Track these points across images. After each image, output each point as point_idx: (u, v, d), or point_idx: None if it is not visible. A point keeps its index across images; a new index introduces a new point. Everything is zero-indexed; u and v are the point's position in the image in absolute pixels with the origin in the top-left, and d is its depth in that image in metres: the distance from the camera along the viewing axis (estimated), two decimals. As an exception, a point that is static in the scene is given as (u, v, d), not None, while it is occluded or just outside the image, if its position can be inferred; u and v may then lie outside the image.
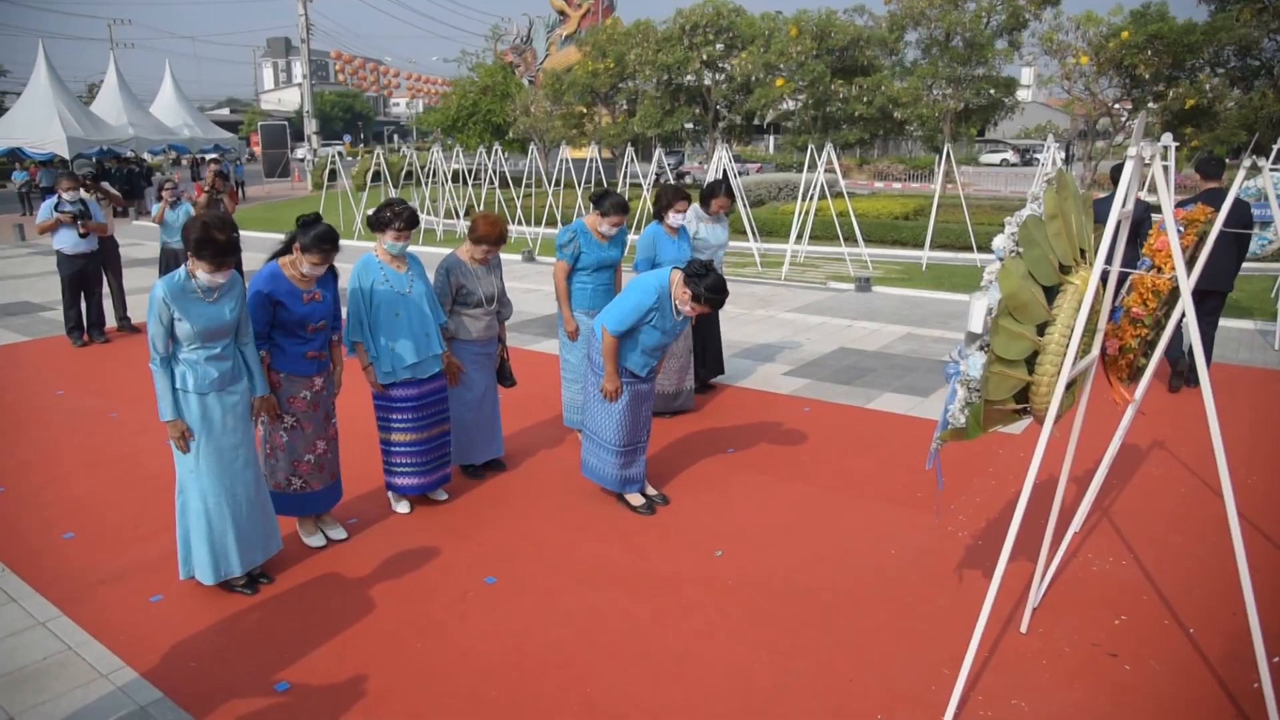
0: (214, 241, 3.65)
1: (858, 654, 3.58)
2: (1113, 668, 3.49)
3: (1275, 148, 9.59)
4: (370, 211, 4.72)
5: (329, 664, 3.55)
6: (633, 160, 17.16)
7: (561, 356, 5.91)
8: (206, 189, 9.98)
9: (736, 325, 9.71)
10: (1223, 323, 9.85)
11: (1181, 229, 3.54)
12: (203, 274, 3.71)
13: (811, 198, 13.53)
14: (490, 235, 5.00)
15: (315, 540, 4.55)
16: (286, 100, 76.85)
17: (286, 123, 39.37)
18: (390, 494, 5.00)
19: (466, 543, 4.60)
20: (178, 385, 3.76)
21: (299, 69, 44.18)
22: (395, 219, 4.58)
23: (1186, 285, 3.03)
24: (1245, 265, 11.80)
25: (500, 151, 19.80)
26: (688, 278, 4.48)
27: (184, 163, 38.12)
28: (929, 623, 3.80)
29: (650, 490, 5.10)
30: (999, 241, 2.91)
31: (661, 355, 4.84)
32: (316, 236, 4.11)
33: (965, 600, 3.95)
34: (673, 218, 6.05)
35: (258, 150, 39.23)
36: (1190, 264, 3.66)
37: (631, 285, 4.67)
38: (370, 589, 4.14)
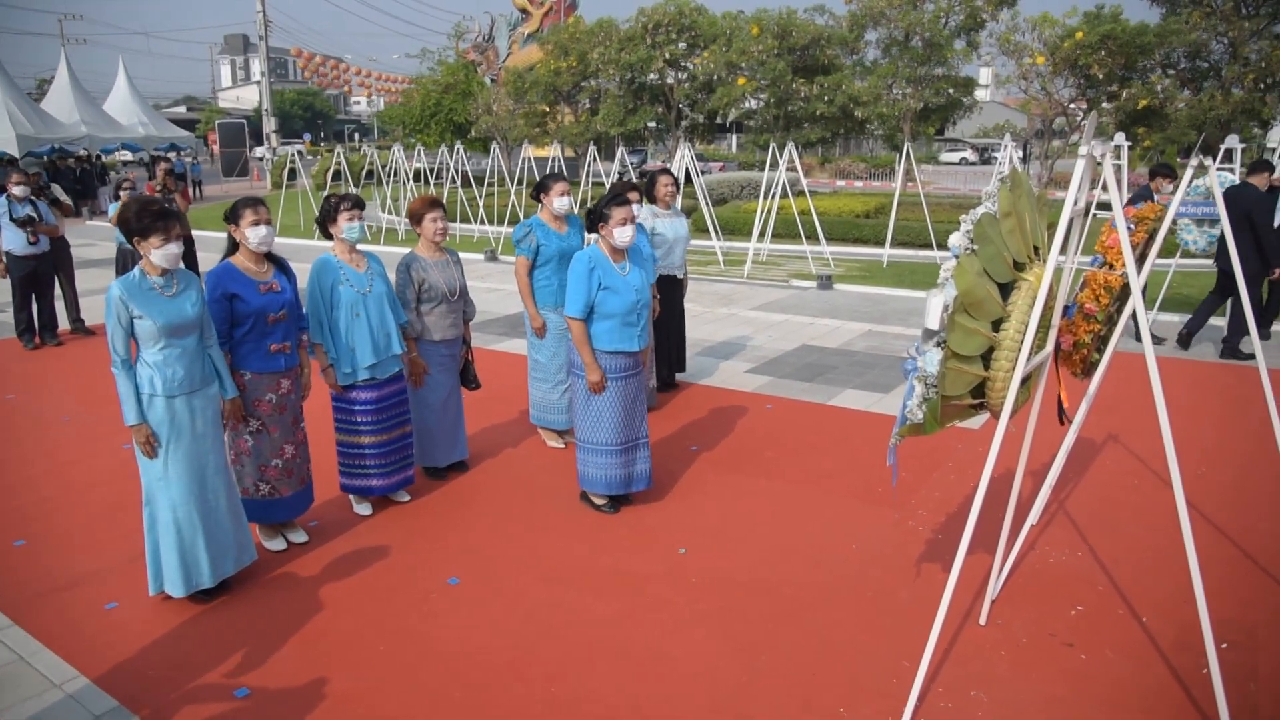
0: (151, 210, 3.62)
1: (821, 648, 3.62)
2: (1069, 657, 3.55)
3: (1222, 148, 9.81)
4: (316, 217, 4.71)
5: (290, 668, 3.51)
6: (595, 159, 17.16)
7: (530, 355, 5.88)
8: (158, 188, 9.80)
9: (699, 323, 9.74)
10: (1173, 317, 10.09)
11: (1132, 226, 3.61)
12: (158, 256, 3.64)
13: (773, 196, 13.61)
14: (420, 206, 5.05)
15: (275, 544, 4.49)
16: (245, 98, 75.78)
17: (245, 121, 38.87)
18: (352, 496, 4.95)
19: (430, 543, 4.57)
20: (145, 389, 3.66)
21: (257, 66, 43.61)
22: (341, 202, 4.57)
23: (1137, 284, 3.09)
24: (1196, 262, 12.14)
25: (462, 150, 19.69)
26: (596, 222, 4.63)
27: (146, 159, 37.46)
28: (890, 616, 3.85)
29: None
30: (955, 239, 2.95)
31: (640, 321, 4.69)
32: (240, 201, 4.13)
33: (926, 593, 4.00)
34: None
35: (215, 149, 38.64)
36: (1141, 261, 3.74)
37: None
38: (332, 592, 4.10)
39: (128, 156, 34.61)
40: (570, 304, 4.56)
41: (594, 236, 4.77)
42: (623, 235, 4.58)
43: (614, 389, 4.68)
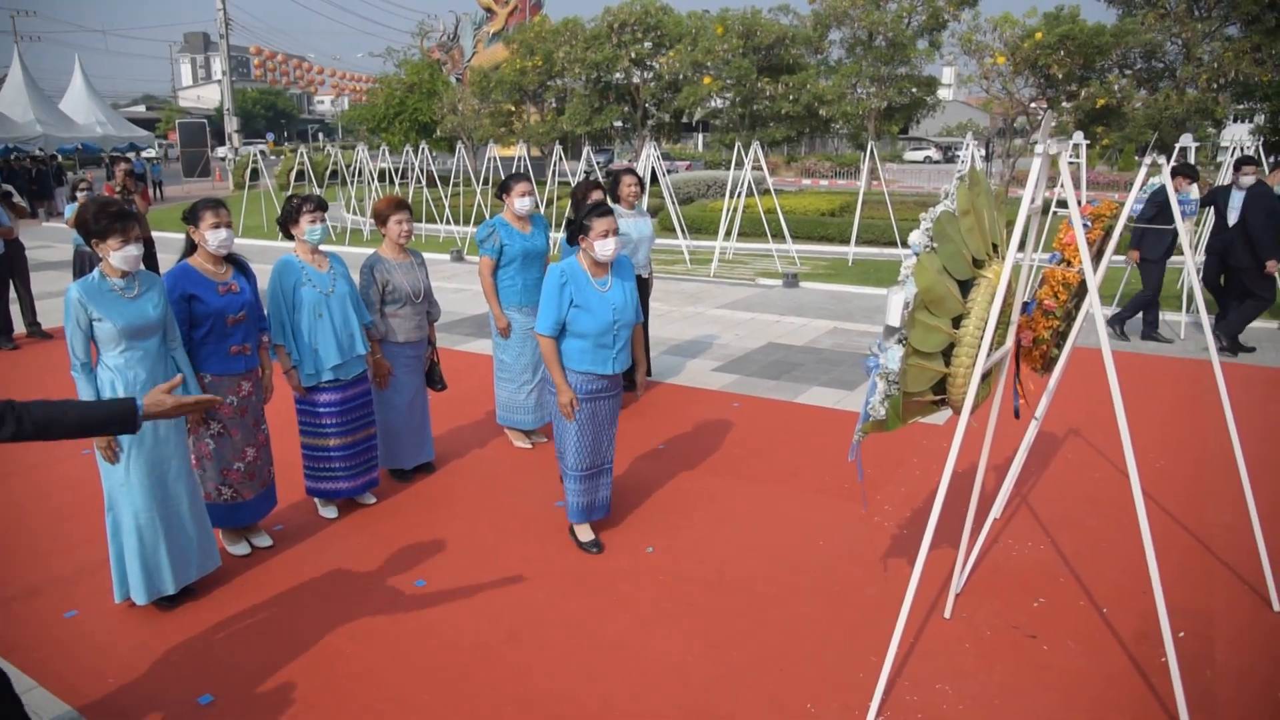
0: (109, 211, 3.56)
1: (790, 644, 3.64)
2: (1032, 649, 3.61)
3: (1177, 146, 9.99)
4: (277, 218, 4.66)
5: (255, 674, 3.47)
6: (561, 159, 17.12)
7: (495, 356, 5.85)
8: (118, 189, 9.63)
9: (665, 322, 9.76)
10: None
11: (1089, 224, 3.67)
12: (116, 258, 3.57)
13: (739, 195, 13.67)
14: (385, 207, 5.02)
15: (239, 549, 4.44)
16: (206, 97, 74.72)
17: (206, 120, 38.28)
18: (317, 499, 4.90)
19: (395, 546, 4.54)
20: (105, 393, 3.58)
21: (218, 65, 42.97)
22: (303, 204, 4.52)
23: (1094, 281, 3.14)
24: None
25: (427, 150, 19.56)
26: (575, 233, 4.26)
27: (105, 159, 36.79)
28: (858, 611, 3.88)
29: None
30: (914, 237, 2.98)
31: (617, 344, 4.28)
32: (200, 202, 4.07)
33: (892, 588, 4.04)
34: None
35: (172, 137, 37.99)
36: (1098, 258, 3.80)
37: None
38: (297, 596, 4.06)
39: (102, 158, 33.83)
40: (540, 320, 4.23)
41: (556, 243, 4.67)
42: (604, 249, 4.16)
43: (583, 411, 4.31)
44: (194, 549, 3.94)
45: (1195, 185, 8.33)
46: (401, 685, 3.40)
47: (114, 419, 2.53)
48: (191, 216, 4.06)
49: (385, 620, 3.85)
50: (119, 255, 3.58)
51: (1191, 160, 9.72)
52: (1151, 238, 8.54)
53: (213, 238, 4.03)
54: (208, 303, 4.03)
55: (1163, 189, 8.31)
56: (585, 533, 4.54)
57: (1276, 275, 8.22)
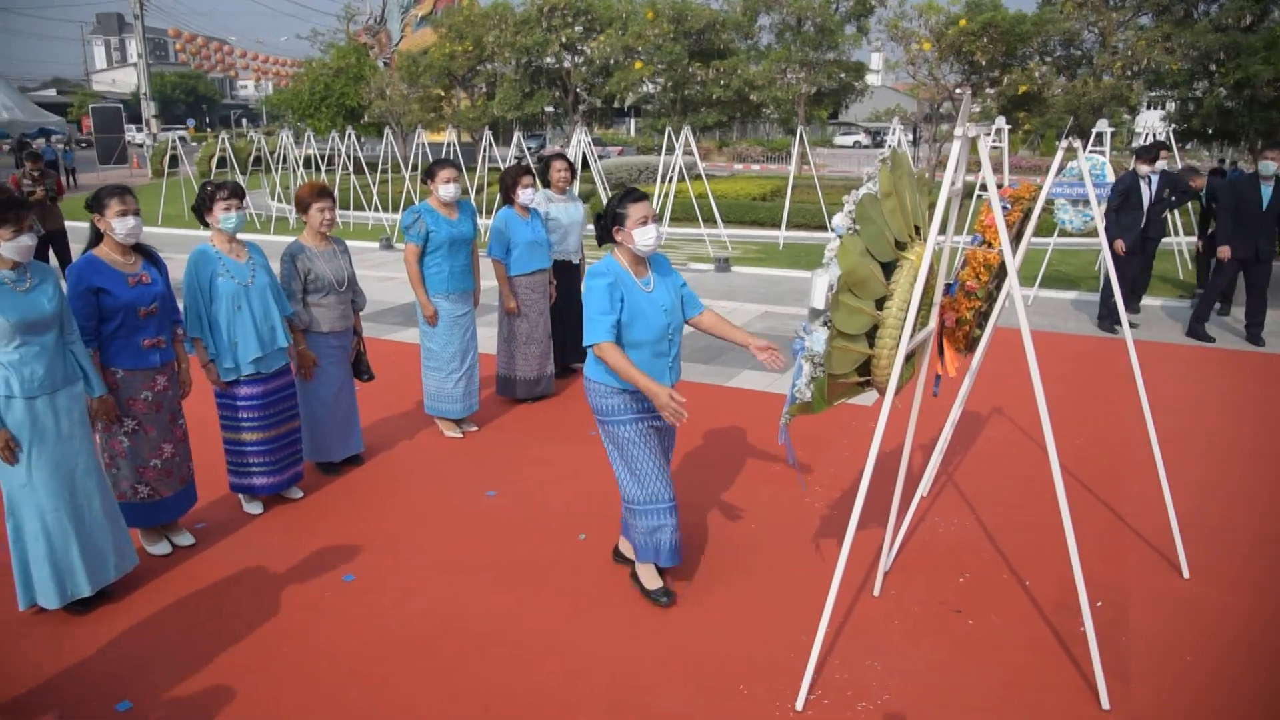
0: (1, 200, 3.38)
1: (721, 627, 3.65)
2: (958, 623, 3.68)
3: (1094, 132, 10.28)
4: (192, 205, 4.49)
5: (177, 677, 3.35)
6: (492, 144, 16.90)
7: (423, 345, 5.75)
8: (24, 179, 9.17)
9: (600, 308, 9.71)
10: (1052, 294, 10.56)
11: (1008, 206, 3.74)
12: (8, 248, 3.38)
13: (671, 180, 13.67)
14: (307, 194, 4.89)
15: (160, 548, 4.29)
16: (122, 81, 71.90)
17: (122, 105, 36.88)
18: (241, 495, 4.77)
19: (323, 541, 4.44)
20: (1, 391, 3.41)
21: (134, 47, 41.39)
22: (218, 190, 4.35)
23: (1013, 262, 3.20)
24: (1072, 240, 12.72)
25: (355, 136, 19.12)
26: (609, 225, 3.64)
27: (4, 148, 35.20)
28: (788, 592, 3.92)
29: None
30: (838, 220, 3.00)
31: (672, 350, 3.70)
32: (105, 189, 3.90)
33: (821, 568, 4.08)
34: (522, 194, 6.01)
35: (87, 126, 36.56)
36: (1017, 239, 3.87)
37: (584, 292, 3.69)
38: (221, 595, 3.94)
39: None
40: (592, 329, 3.48)
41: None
42: (644, 237, 3.54)
43: (643, 432, 3.68)
44: (108, 548, 3.77)
45: (1153, 166, 8.51)
46: (330, 682, 3.33)
47: None
48: (96, 204, 3.88)
49: (313, 616, 3.76)
50: (10, 246, 3.40)
51: (1107, 146, 9.98)
52: (1121, 226, 8.64)
53: (119, 226, 3.87)
54: (117, 295, 3.86)
55: (1128, 175, 8.51)
56: (652, 580, 3.89)
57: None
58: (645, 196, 3.62)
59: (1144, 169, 8.44)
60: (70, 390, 3.61)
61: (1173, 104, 21.16)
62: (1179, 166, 12.45)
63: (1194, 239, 10.47)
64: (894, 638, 3.58)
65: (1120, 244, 8.48)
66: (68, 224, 11.22)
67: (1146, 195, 8.47)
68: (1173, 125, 16.88)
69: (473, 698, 3.23)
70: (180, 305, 4.28)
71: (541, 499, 4.90)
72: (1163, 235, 9.11)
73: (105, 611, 3.80)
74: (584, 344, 3.52)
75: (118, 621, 3.73)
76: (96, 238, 3.95)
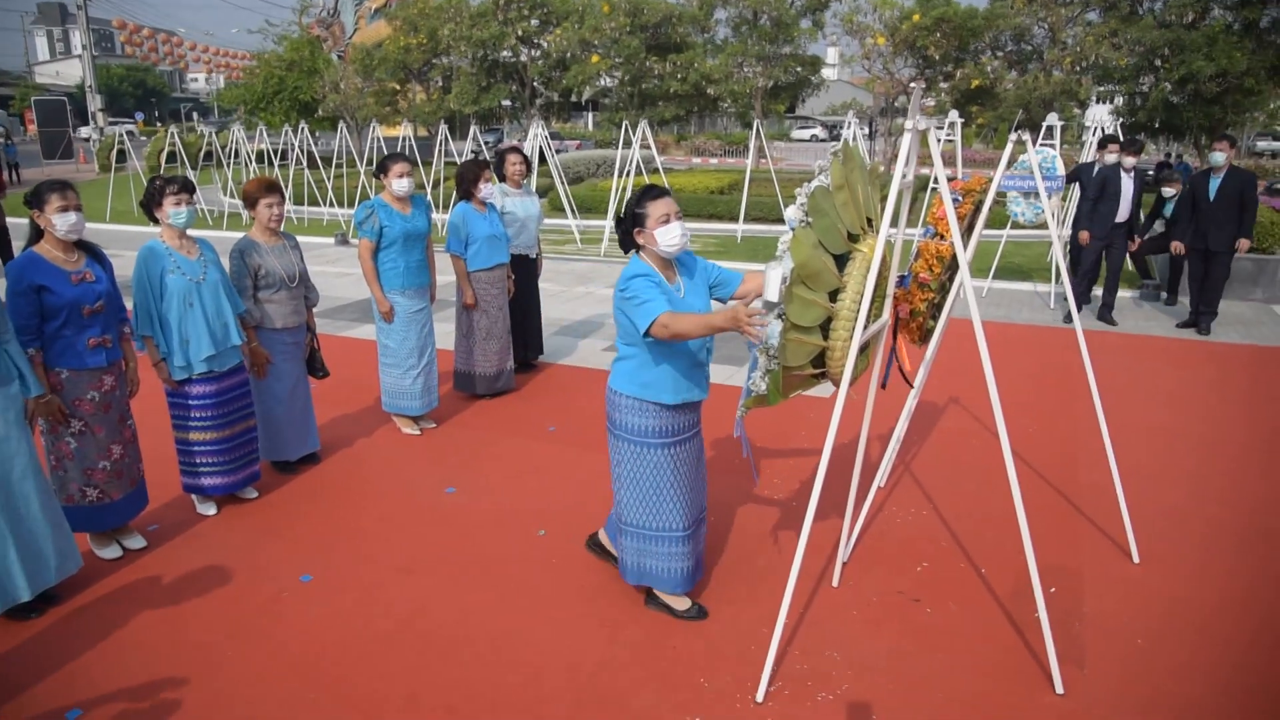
0: None
1: (680, 621, 3.65)
2: (916, 612, 3.72)
3: (1044, 125, 10.45)
4: (140, 201, 4.38)
5: (130, 683, 3.28)
6: (448, 139, 16.76)
7: (379, 341, 5.68)
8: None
9: (556, 303, 9.68)
10: (1006, 285, 10.73)
11: (959, 198, 3.78)
12: None
13: (629, 174, 13.65)
14: (255, 190, 4.80)
15: (110, 552, 4.19)
16: (66, 73, 70.04)
17: (67, 98, 35.95)
18: (194, 496, 4.67)
19: (280, 541, 4.37)
20: None
21: (79, 39, 40.33)
22: (167, 185, 4.25)
23: (964, 254, 3.23)
24: (1025, 232, 12.93)
25: (308, 130, 18.84)
26: (629, 228, 3.40)
27: None
28: (747, 584, 3.93)
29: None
30: (791, 212, 3.00)
31: (710, 358, 3.56)
32: (45, 184, 3.80)
33: (779, 560, 4.11)
34: (483, 188, 5.96)
35: (32, 129, 35.62)
36: (968, 232, 3.91)
37: (621, 293, 3.37)
38: (175, 599, 3.86)
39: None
40: (644, 312, 3.18)
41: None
42: (668, 237, 3.29)
43: (673, 456, 3.48)
44: (49, 550, 3.64)
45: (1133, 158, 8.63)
46: (287, 685, 3.27)
47: None
48: (36, 200, 3.77)
49: (269, 618, 3.70)
50: None
51: (1057, 140, 10.14)
52: (1097, 216, 8.73)
53: (60, 222, 3.76)
54: (59, 293, 3.76)
55: (1113, 168, 8.60)
56: (678, 600, 3.73)
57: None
58: (666, 192, 3.37)
59: (1129, 161, 8.54)
60: (4, 391, 3.49)
61: (1120, 99, 21.59)
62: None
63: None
64: (853, 627, 3.62)
65: (1085, 235, 8.64)
66: (10, 221, 10.93)
67: (1127, 188, 8.56)
68: (1120, 119, 17.20)
69: (435, 697, 3.20)
70: (128, 303, 4.18)
71: (502, 495, 4.87)
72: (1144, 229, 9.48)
73: (51, 617, 3.71)
74: (641, 332, 3.21)
75: (65, 627, 3.64)
76: (37, 234, 3.84)
